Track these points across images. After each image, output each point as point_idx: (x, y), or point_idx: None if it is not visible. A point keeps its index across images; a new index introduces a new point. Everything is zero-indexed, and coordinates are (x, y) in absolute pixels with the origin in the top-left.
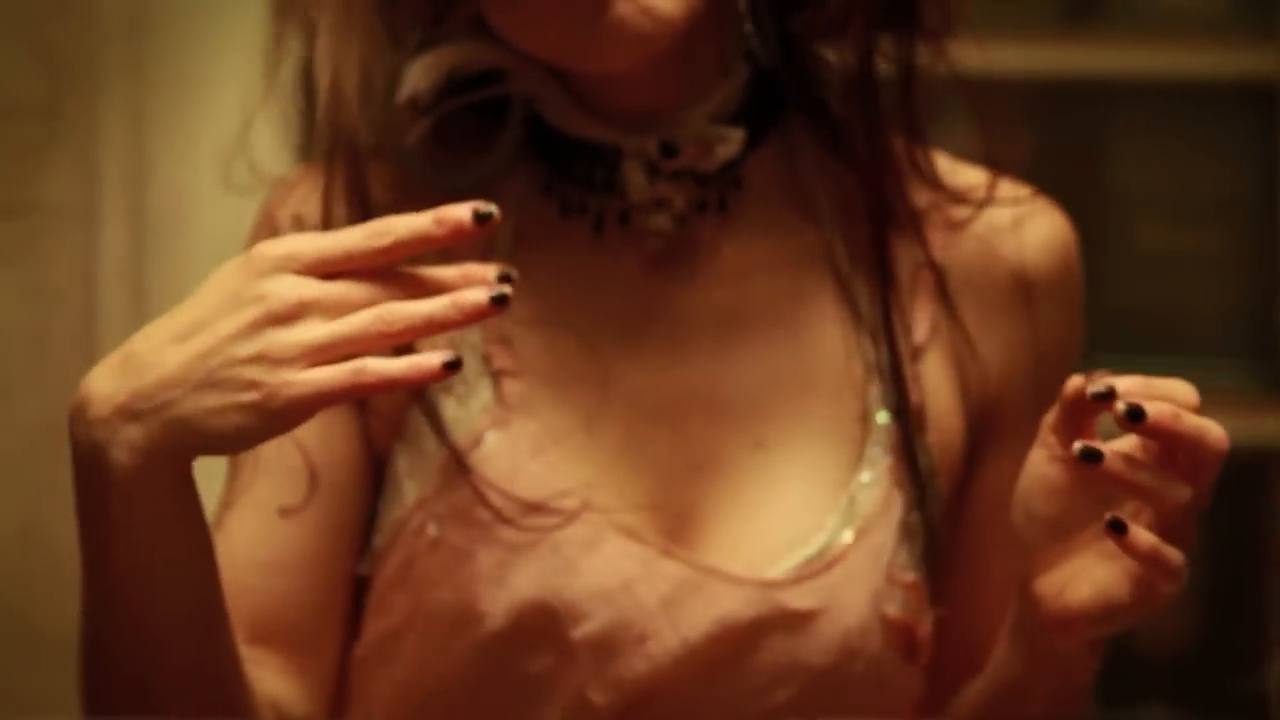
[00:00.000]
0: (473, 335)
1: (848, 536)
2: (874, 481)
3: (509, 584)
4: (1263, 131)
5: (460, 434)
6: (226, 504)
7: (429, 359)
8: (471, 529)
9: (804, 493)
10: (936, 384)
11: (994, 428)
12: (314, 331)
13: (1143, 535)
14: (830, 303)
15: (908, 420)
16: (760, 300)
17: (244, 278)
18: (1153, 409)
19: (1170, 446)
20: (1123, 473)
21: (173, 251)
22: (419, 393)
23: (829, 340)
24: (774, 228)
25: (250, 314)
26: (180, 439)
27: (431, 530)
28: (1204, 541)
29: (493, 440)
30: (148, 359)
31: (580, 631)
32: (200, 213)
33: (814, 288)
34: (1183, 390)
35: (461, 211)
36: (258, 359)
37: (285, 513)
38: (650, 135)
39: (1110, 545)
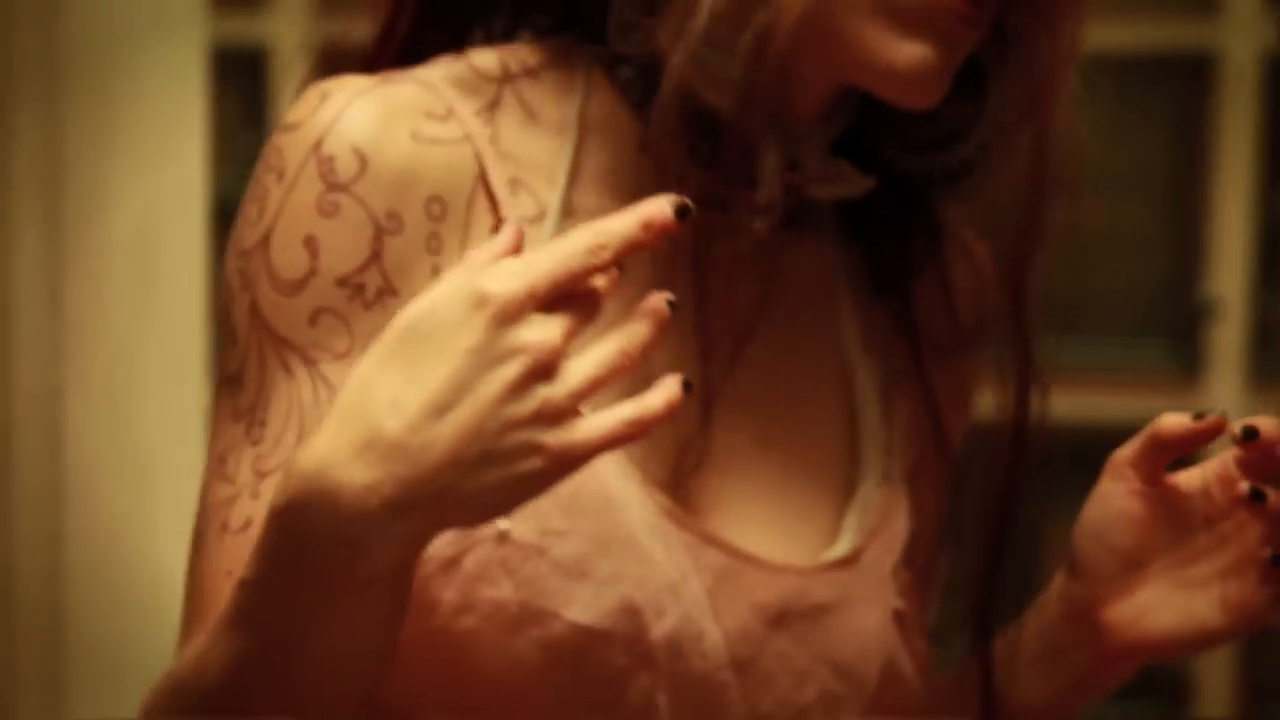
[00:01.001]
0: None
1: (863, 537)
2: (876, 484)
3: (592, 580)
4: (1188, 107)
5: None
6: (262, 472)
7: (673, 389)
8: (542, 521)
9: (815, 491)
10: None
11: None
12: (577, 377)
13: None
14: (832, 333)
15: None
16: (776, 304)
17: (487, 329)
18: None
19: None
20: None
21: (87, 255)
22: None
23: (827, 354)
24: (815, 242)
25: (514, 371)
26: (454, 522)
27: (499, 523)
28: None
29: None
30: (409, 441)
31: (659, 629)
32: (116, 216)
33: (820, 312)
34: None
35: (665, 210)
36: (535, 421)
37: None
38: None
39: (1192, 576)
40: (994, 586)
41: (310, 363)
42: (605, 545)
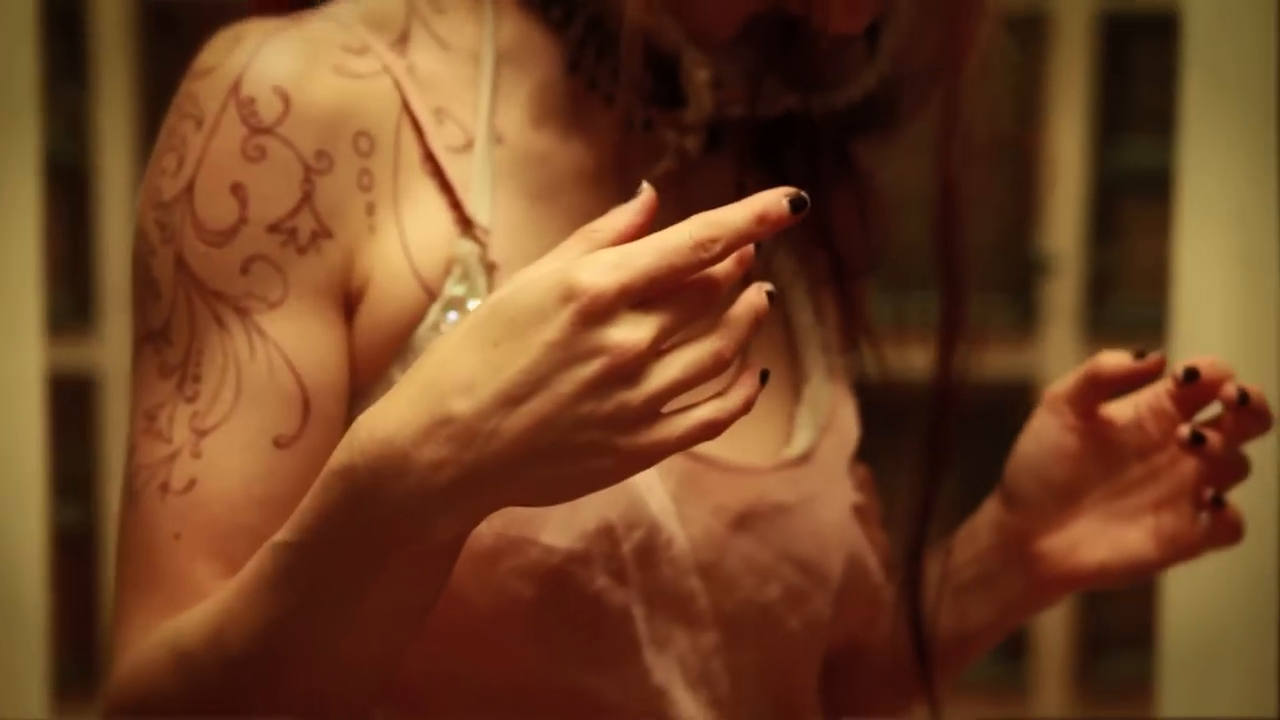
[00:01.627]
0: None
1: (816, 434)
2: (823, 380)
3: (575, 507)
4: (1022, 64)
5: None
6: (201, 430)
7: (751, 386)
8: None
9: (766, 392)
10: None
11: None
12: (660, 382)
13: (1234, 507)
14: None
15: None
16: None
17: (572, 324)
18: (1256, 395)
19: (1243, 424)
20: (1220, 453)
21: None
22: (422, 315)
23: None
24: (726, 161)
25: (593, 370)
26: (517, 504)
27: None
28: (962, 474)
29: None
30: (479, 428)
31: (630, 542)
32: None
33: None
34: (1227, 364)
35: (781, 204)
36: (609, 423)
37: (282, 443)
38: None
39: (1122, 509)
40: (923, 530)
41: (244, 314)
42: None
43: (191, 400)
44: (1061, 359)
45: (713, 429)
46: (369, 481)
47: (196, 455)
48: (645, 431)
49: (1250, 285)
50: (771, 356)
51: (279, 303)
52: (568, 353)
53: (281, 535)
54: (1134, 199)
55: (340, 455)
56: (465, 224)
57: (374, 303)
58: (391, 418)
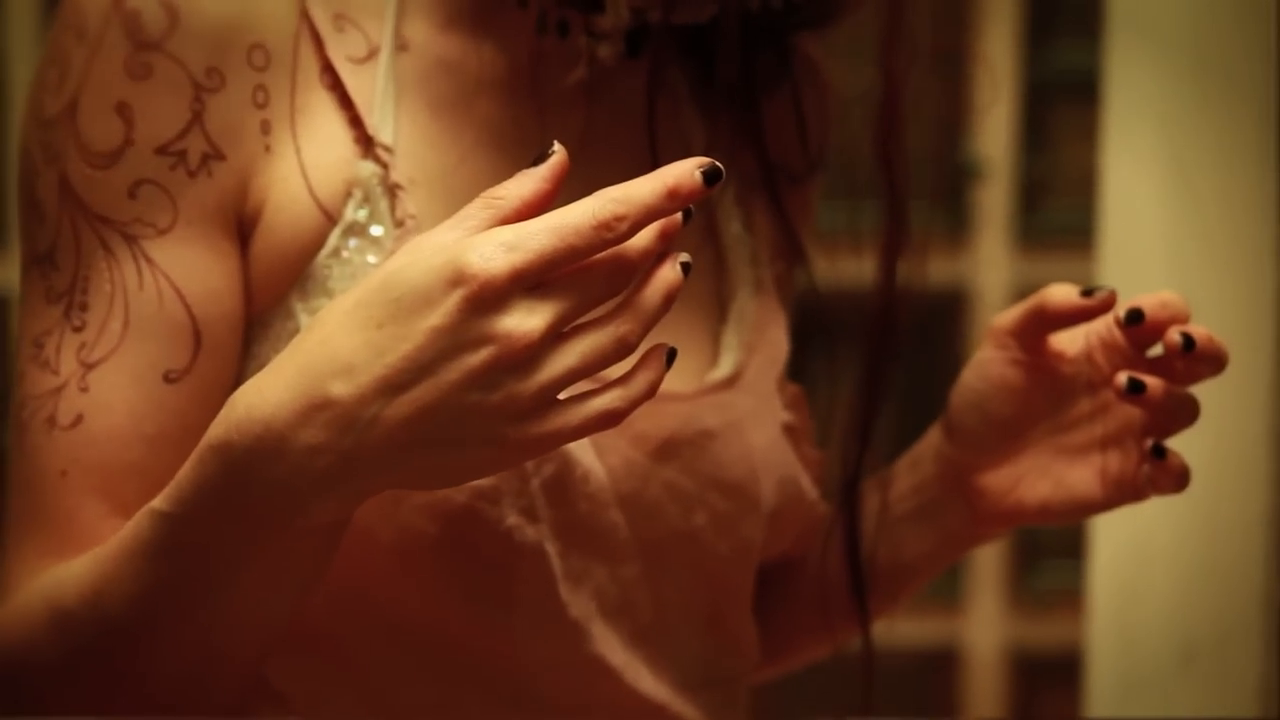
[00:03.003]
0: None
1: (743, 353)
2: (750, 295)
3: None
4: None
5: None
6: (88, 364)
7: (658, 370)
8: None
9: (690, 312)
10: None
11: None
12: (554, 371)
13: (1177, 455)
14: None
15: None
16: (620, 129)
17: (460, 310)
18: (1203, 340)
19: (1190, 369)
20: (1163, 399)
21: None
22: (319, 242)
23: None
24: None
25: (481, 359)
26: (402, 487)
27: None
28: (899, 383)
29: None
30: (359, 414)
31: (540, 477)
32: None
33: (665, 133)
34: (1179, 302)
35: (693, 177)
36: (497, 413)
37: (172, 378)
38: None
39: (1068, 444)
40: (863, 444)
41: (131, 240)
42: None
43: (79, 330)
44: (993, 267)
45: (611, 419)
46: (245, 461)
47: (84, 389)
48: (536, 422)
49: (1179, 189)
50: (698, 272)
51: (168, 229)
52: (454, 340)
53: (160, 503)
54: (1065, 104)
55: (218, 430)
56: (366, 143)
57: (270, 227)
58: (270, 398)
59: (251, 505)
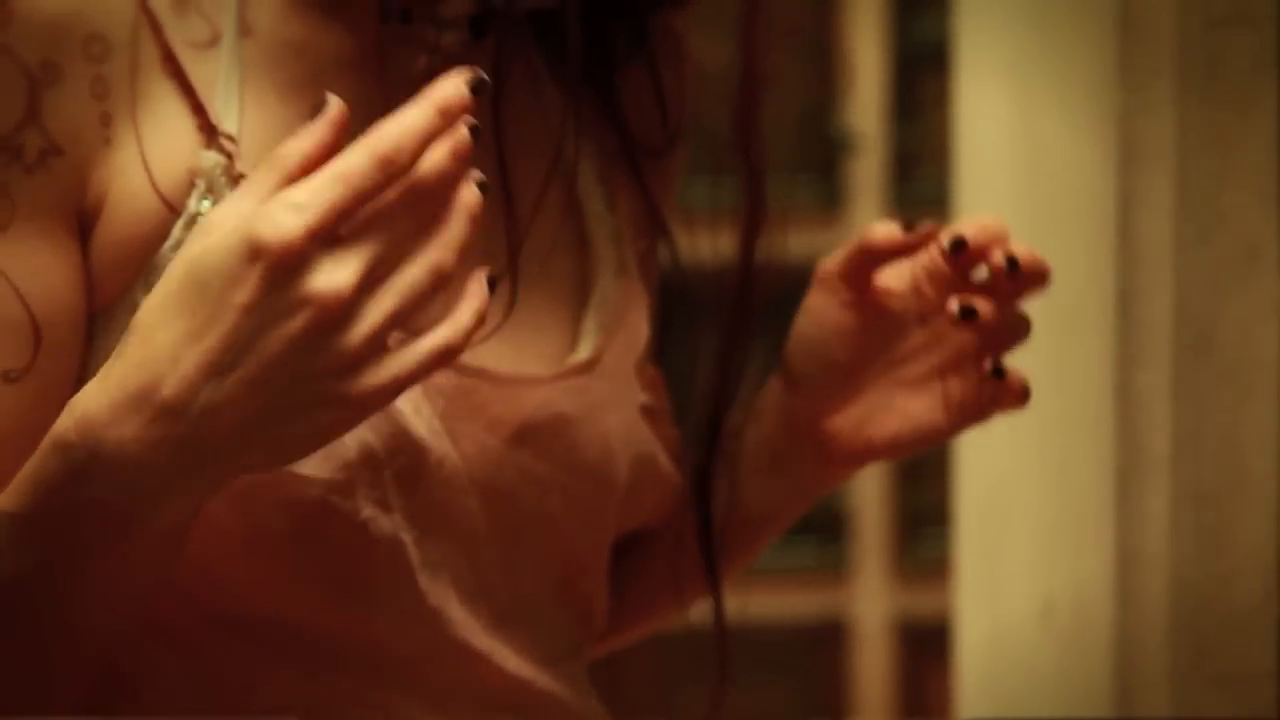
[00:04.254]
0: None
1: (603, 337)
2: (612, 277)
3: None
4: None
5: None
6: None
7: (480, 296)
8: None
9: (549, 293)
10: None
11: None
12: (376, 318)
13: (1016, 371)
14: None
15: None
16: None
17: (264, 282)
18: (1026, 258)
19: (1016, 286)
20: (995, 321)
21: None
22: (163, 231)
23: (536, 150)
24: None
25: (299, 325)
26: (249, 470)
27: None
28: (765, 359)
29: None
30: (190, 403)
31: (393, 467)
32: None
33: (521, 110)
34: (999, 225)
35: (459, 90)
36: (329, 373)
37: (12, 377)
38: None
39: (908, 377)
40: (718, 428)
41: None
42: None
43: None
44: None
45: (446, 355)
46: (85, 459)
47: None
48: (371, 373)
49: (1031, 153)
50: (561, 252)
51: (4, 226)
52: (267, 313)
53: (3, 500)
54: (933, 73)
55: (59, 428)
56: (210, 132)
57: (112, 220)
58: (105, 397)
59: (95, 504)
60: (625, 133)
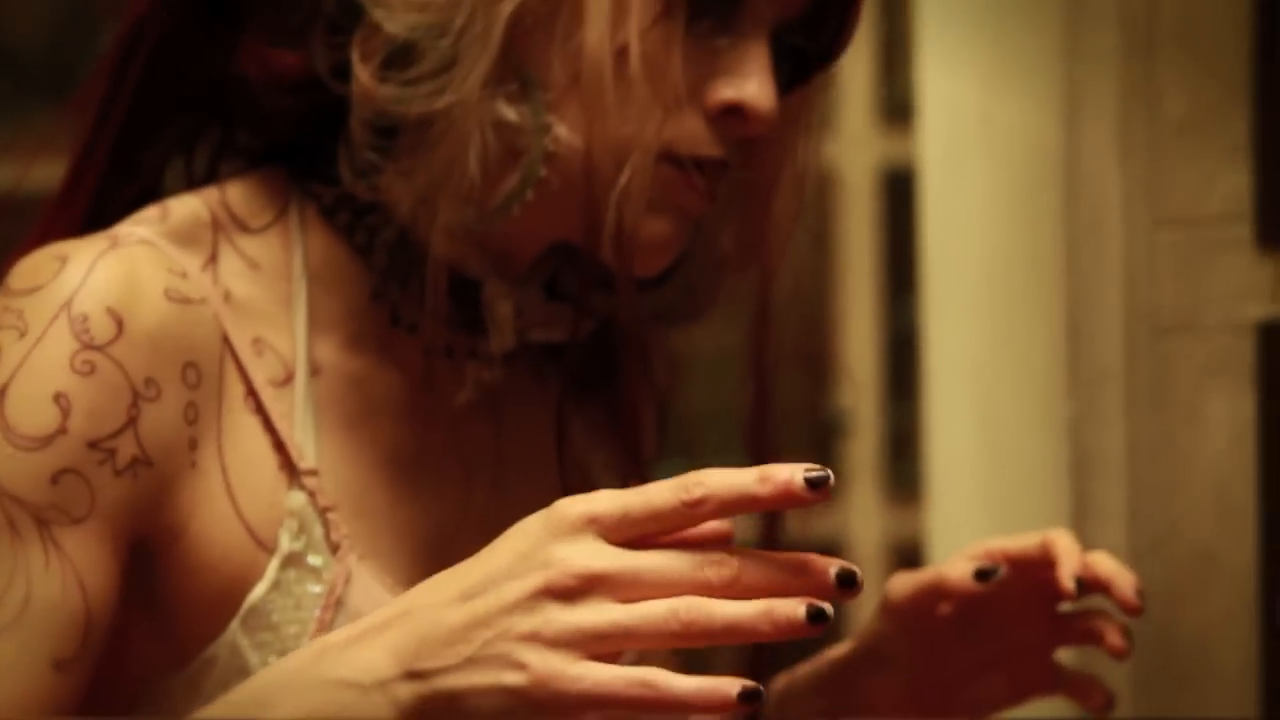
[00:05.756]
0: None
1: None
2: None
3: None
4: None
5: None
6: None
7: (726, 686)
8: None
9: None
10: None
11: None
12: (595, 616)
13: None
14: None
15: None
16: (521, 440)
17: (539, 536)
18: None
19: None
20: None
21: None
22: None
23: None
24: (524, 372)
25: (533, 582)
26: (444, 712)
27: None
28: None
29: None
30: (429, 614)
31: None
32: None
33: (542, 430)
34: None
35: (791, 473)
36: (531, 637)
37: (61, 665)
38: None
39: (979, 659)
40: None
41: (43, 524)
42: None
43: None
44: (865, 518)
45: (647, 693)
46: (303, 658)
47: None
48: (567, 662)
49: (992, 447)
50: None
51: (82, 519)
52: (522, 563)
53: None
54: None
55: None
56: (292, 470)
57: (198, 551)
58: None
59: (311, 700)
60: (632, 445)
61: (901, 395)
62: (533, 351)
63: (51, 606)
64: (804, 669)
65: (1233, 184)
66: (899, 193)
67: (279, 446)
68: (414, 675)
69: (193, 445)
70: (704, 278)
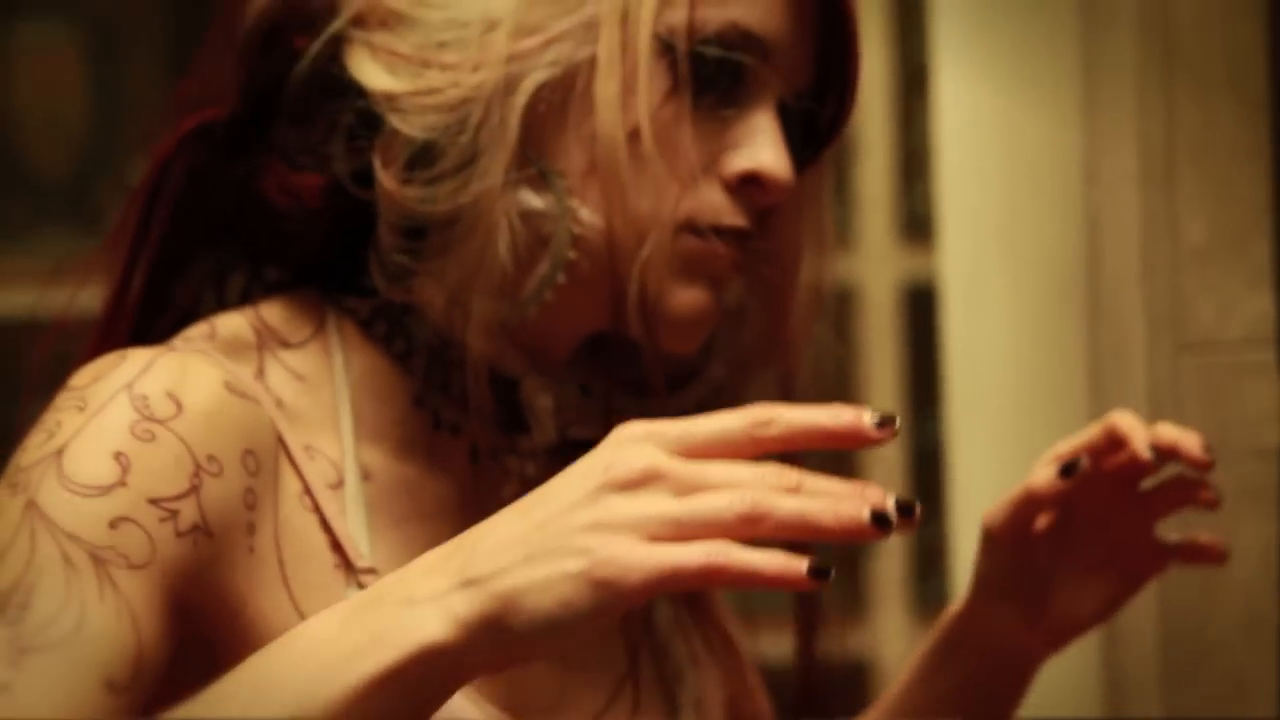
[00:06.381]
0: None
1: None
2: (690, 668)
3: None
4: (832, 339)
5: None
6: (21, 648)
7: (798, 562)
8: None
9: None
10: None
11: None
12: (658, 504)
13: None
14: None
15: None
16: None
17: (599, 452)
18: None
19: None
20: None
21: None
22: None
23: None
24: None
25: (593, 481)
26: (503, 614)
27: None
28: None
29: None
30: (485, 531)
31: None
32: None
33: None
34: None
35: (861, 414)
36: (593, 526)
37: (114, 687)
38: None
39: (1091, 561)
40: None
41: (99, 562)
42: None
43: (14, 624)
44: (893, 638)
45: (719, 560)
46: (367, 595)
47: (14, 666)
48: (628, 546)
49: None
50: (642, 664)
51: (141, 566)
52: (581, 474)
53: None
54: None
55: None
56: (349, 568)
57: (255, 629)
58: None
59: (366, 624)
60: None
61: (927, 513)
62: (571, 448)
63: (105, 631)
64: (910, 659)
65: (1256, 308)
66: (921, 308)
67: (335, 546)
68: (469, 583)
69: (250, 530)
70: (730, 378)
